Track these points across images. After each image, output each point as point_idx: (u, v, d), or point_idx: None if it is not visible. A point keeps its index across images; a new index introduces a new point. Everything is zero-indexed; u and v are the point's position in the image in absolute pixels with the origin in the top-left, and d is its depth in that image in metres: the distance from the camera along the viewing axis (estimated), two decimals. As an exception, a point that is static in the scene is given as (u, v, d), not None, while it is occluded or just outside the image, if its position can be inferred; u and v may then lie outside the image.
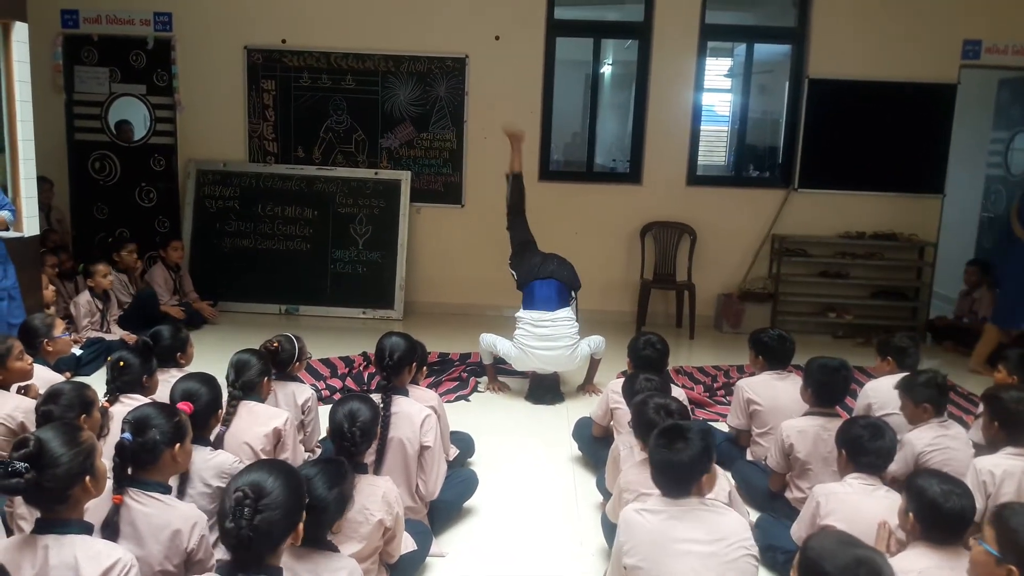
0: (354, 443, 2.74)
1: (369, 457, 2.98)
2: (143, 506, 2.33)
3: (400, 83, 7.37)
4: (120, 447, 2.36)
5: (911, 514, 2.46)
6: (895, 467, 3.33)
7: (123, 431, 2.40)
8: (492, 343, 5.35)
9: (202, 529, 2.36)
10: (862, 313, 7.45)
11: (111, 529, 2.25)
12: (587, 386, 5.52)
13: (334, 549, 2.26)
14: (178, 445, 2.47)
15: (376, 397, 3.18)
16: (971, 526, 2.44)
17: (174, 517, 2.34)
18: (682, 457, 2.44)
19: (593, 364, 5.50)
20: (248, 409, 3.23)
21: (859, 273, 7.46)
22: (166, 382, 3.29)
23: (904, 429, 3.59)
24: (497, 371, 5.63)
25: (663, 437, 2.52)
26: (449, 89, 7.37)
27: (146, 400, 3.09)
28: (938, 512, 2.38)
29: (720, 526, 2.42)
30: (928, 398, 3.41)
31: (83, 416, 2.80)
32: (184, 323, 6.23)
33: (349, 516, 2.61)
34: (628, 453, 3.27)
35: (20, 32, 4.84)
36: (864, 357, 5.87)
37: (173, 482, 2.59)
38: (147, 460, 2.39)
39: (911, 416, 3.49)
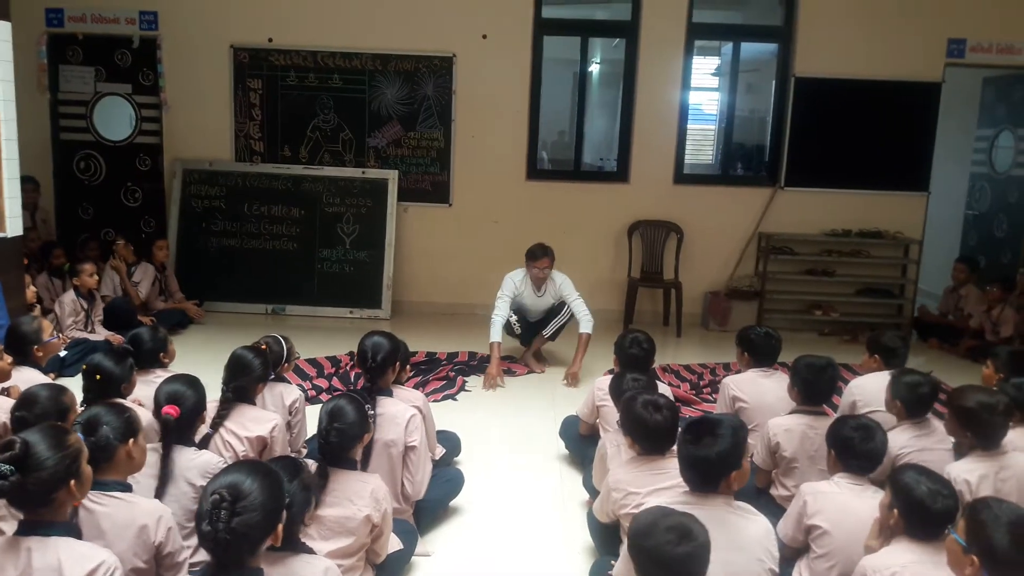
0: (328, 441, 2.73)
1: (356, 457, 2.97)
2: (104, 507, 2.31)
3: (387, 82, 7.36)
4: None
5: (895, 510, 2.47)
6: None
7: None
8: (496, 307, 5.77)
9: (168, 522, 2.33)
10: (848, 310, 7.49)
11: (73, 532, 2.22)
12: (572, 369, 5.64)
13: (308, 550, 2.24)
14: (132, 441, 2.43)
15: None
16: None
17: (138, 513, 2.32)
18: (710, 452, 2.42)
19: (582, 343, 5.65)
20: (238, 411, 3.21)
21: (845, 271, 7.50)
22: (151, 383, 3.27)
23: (888, 426, 3.61)
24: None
25: (691, 432, 2.49)
26: (437, 88, 7.36)
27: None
28: (926, 513, 2.39)
29: (743, 534, 2.38)
30: (902, 398, 3.41)
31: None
32: (170, 323, 6.23)
33: (337, 512, 2.62)
34: (615, 451, 3.27)
35: (3, 31, 4.79)
36: (850, 354, 5.91)
37: (151, 483, 2.57)
38: (102, 458, 2.35)
39: (887, 407, 3.52)
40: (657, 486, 2.81)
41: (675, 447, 2.92)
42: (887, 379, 3.85)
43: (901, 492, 2.46)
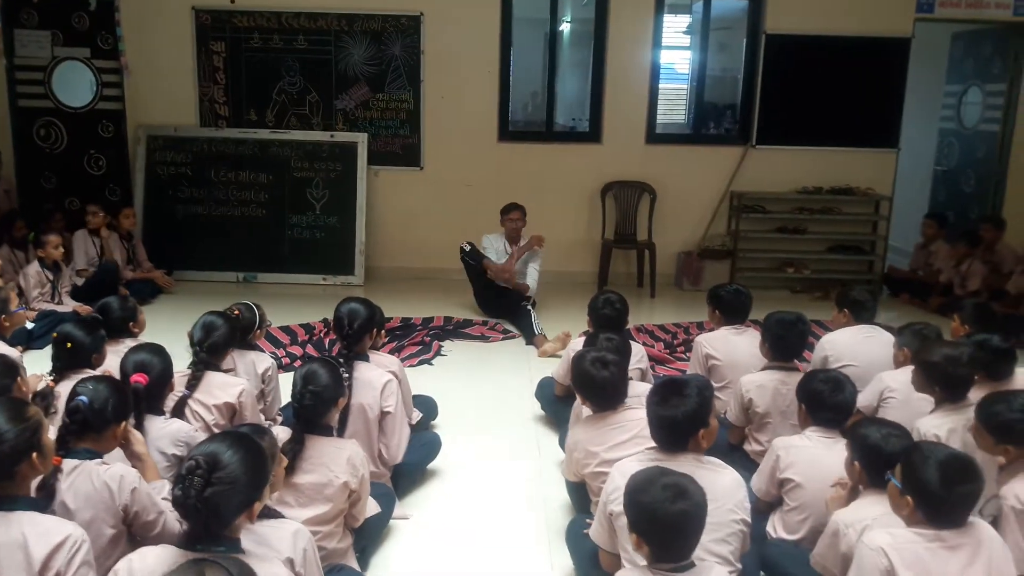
0: (302, 404, 2.71)
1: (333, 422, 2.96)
2: (72, 474, 2.28)
3: (354, 42, 7.22)
4: (75, 409, 2.32)
5: (856, 463, 2.52)
6: (862, 400, 3.42)
7: (78, 394, 2.35)
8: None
9: (131, 483, 2.29)
10: (820, 267, 7.55)
11: (47, 491, 2.20)
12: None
13: (276, 515, 2.23)
14: (124, 424, 2.44)
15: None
16: None
17: (102, 478, 2.29)
18: (677, 412, 2.45)
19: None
20: (205, 379, 3.18)
21: (816, 228, 7.54)
22: (120, 353, 3.21)
23: (859, 381, 3.66)
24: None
25: (658, 393, 2.52)
26: (404, 48, 7.23)
27: (95, 374, 3.02)
28: (880, 456, 2.44)
29: (713, 486, 2.38)
30: (910, 344, 3.51)
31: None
32: (140, 295, 6.14)
33: (313, 479, 2.61)
34: (590, 411, 3.29)
35: (-48, -6, 4.64)
36: (822, 311, 5.96)
37: (119, 452, 2.54)
38: (94, 428, 2.35)
39: (894, 357, 3.63)
40: (615, 441, 2.86)
41: (628, 401, 2.96)
42: (857, 334, 3.93)
43: (857, 442, 2.52)
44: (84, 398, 2.34)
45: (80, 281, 5.99)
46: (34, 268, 5.63)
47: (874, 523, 2.34)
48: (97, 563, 2.09)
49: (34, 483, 2.16)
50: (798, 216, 7.50)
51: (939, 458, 2.14)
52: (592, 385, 2.97)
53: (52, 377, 3.11)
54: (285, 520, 2.23)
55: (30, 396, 2.87)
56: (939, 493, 2.11)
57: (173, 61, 7.21)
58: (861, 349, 3.83)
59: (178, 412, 2.99)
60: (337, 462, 2.66)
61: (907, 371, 3.42)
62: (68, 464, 2.28)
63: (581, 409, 3.37)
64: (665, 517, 1.98)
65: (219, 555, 1.72)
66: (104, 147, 7.38)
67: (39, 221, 6.36)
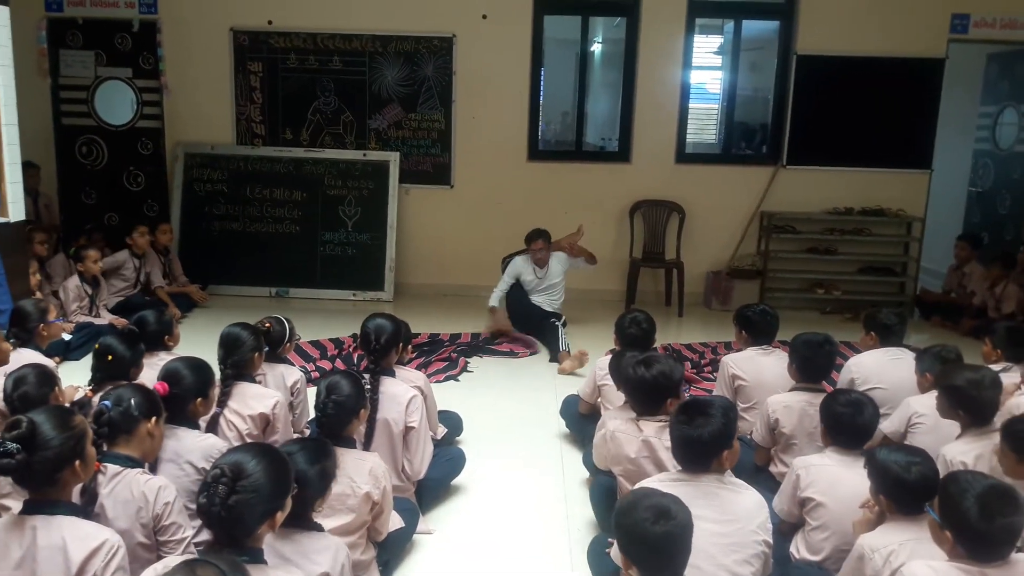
0: (325, 414, 2.76)
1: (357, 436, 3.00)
2: (112, 481, 2.34)
3: (387, 63, 7.34)
4: (99, 414, 2.39)
5: (881, 495, 2.50)
6: (889, 426, 3.41)
7: (102, 399, 2.43)
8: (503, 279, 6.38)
9: (166, 496, 2.36)
10: (850, 289, 7.49)
11: (89, 496, 2.27)
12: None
13: (319, 528, 2.28)
14: (154, 419, 2.49)
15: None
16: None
17: (140, 487, 2.35)
18: (702, 433, 2.45)
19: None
20: (239, 389, 3.24)
21: (847, 249, 7.49)
22: (155, 366, 3.29)
23: (886, 404, 3.63)
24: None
25: (684, 413, 2.54)
26: (437, 69, 7.34)
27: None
28: (904, 485, 2.42)
29: (735, 507, 2.42)
30: (931, 369, 3.49)
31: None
32: (177, 307, 6.26)
33: (336, 489, 2.65)
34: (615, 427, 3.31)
35: (2, 16, 4.80)
36: (852, 332, 5.90)
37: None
38: (124, 429, 2.42)
39: (918, 383, 3.59)
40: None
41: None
42: (884, 356, 3.90)
43: (877, 472, 2.50)
44: (107, 402, 2.42)
45: (111, 302, 6.09)
46: (74, 282, 5.77)
47: (900, 548, 2.33)
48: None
49: (76, 489, 2.23)
50: (829, 237, 7.45)
51: (978, 489, 2.07)
52: (636, 387, 3.04)
53: (90, 387, 3.19)
54: (326, 534, 2.28)
55: (67, 406, 2.95)
56: (978, 526, 2.04)
57: (211, 81, 7.39)
58: (888, 371, 3.80)
59: (212, 426, 3.06)
60: (359, 473, 2.70)
61: (935, 395, 3.39)
62: (111, 470, 2.35)
63: (607, 427, 3.39)
64: (648, 539, 1.97)
65: (214, 556, 1.75)
66: (143, 164, 7.57)
67: (78, 235, 6.51)
